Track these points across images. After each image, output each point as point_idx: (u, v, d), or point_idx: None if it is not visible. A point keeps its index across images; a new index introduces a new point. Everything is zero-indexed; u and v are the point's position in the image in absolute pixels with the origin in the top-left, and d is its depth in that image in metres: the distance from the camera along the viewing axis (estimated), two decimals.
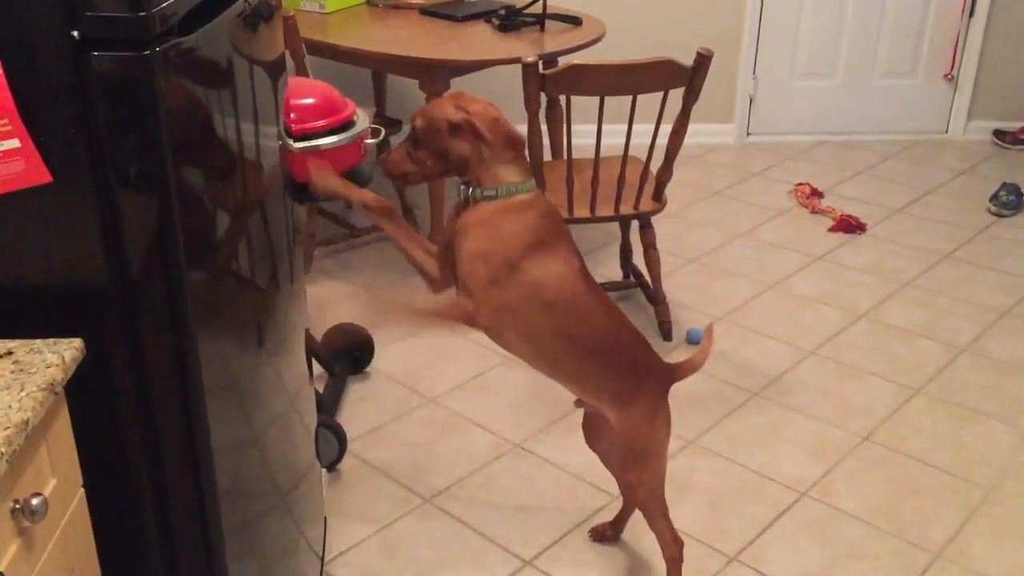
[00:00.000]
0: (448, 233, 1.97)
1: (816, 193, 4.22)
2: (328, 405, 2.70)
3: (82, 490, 1.23)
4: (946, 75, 4.82)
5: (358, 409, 2.83)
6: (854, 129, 4.92)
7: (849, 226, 3.92)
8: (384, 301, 2.00)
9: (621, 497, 2.37)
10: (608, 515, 2.42)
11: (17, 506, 1.03)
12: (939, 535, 2.36)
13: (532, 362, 1.96)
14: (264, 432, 1.68)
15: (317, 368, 2.93)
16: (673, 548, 2.07)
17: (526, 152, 1.93)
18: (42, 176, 1.13)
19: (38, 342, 1.16)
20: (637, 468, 2.00)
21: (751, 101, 4.83)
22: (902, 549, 2.31)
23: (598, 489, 2.51)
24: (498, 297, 1.85)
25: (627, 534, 2.36)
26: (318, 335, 2.98)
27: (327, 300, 3.41)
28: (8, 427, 0.99)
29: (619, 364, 1.96)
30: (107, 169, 1.18)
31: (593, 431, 2.22)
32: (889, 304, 3.40)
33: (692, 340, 3.15)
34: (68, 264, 1.21)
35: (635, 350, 1.98)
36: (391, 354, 3.09)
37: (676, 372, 2.03)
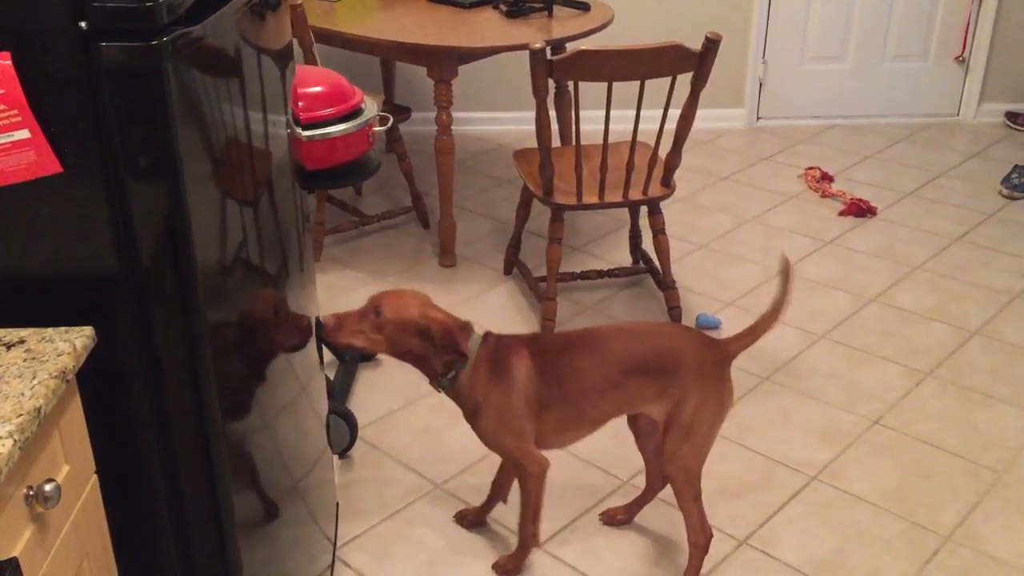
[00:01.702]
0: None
1: (826, 177, 4.20)
2: (339, 392, 2.71)
3: (95, 477, 1.25)
4: (957, 57, 4.79)
5: (369, 396, 2.84)
6: (864, 113, 4.90)
7: (859, 210, 3.91)
8: (528, 536, 2.19)
9: (639, 484, 2.38)
10: (618, 500, 2.43)
11: (31, 492, 1.04)
12: (949, 518, 2.36)
13: (581, 434, 2.13)
14: (275, 419, 1.69)
15: (328, 356, 2.94)
16: (700, 535, 2.10)
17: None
18: (52, 166, 1.14)
19: (49, 330, 1.17)
20: (676, 441, 2.03)
21: (761, 85, 4.81)
22: (912, 532, 2.32)
23: (608, 474, 2.52)
24: (530, 435, 2.06)
25: (634, 522, 2.37)
26: None
27: (337, 287, 3.42)
28: (21, 414, 1.01)
29: (637, 375, 2.04)
30: (117, 159, 1.19)
31: (639, 430, 2.25)
32: (899, 288, 3.39)
33: (702, 325, 3.15)
34: (79, 253, 1.22)
35: (650, 354, 2.04)
36: None
37: (732, 346, 2.10)
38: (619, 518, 2.36)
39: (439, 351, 1.98)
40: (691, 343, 2.05)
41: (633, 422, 2.24)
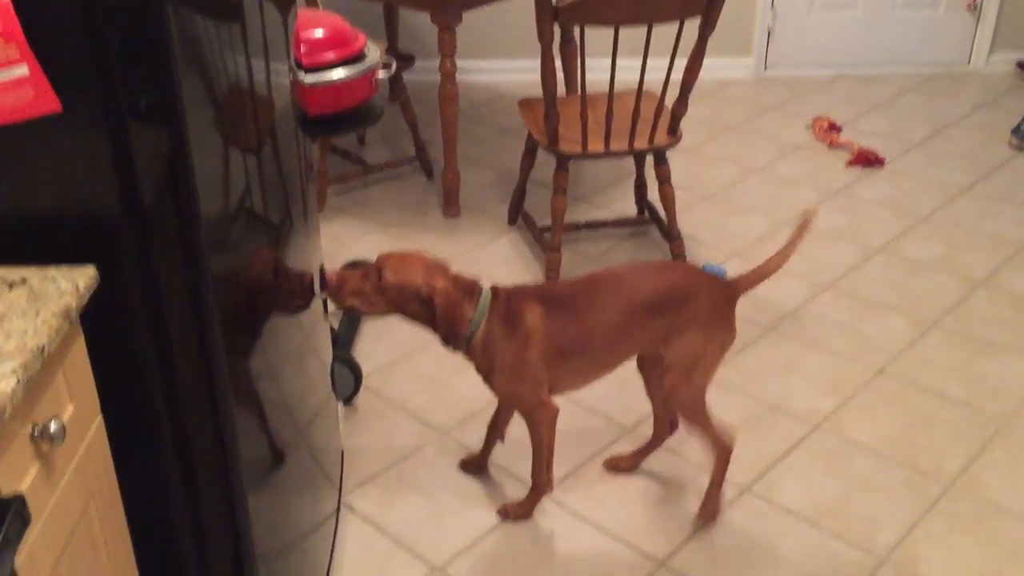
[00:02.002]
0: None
1: (834, 127, 4.16)
2: (344, 340, 2.72)
3: (100, 417, 1.25)
4: (969, 5, 4.71)
5: (373, 345, 2.85)
6: (874, 62, 4.83)
7: (867, 160, 3.88)
8: (540, 482, 2.20)
9: (642, 432, 2.39)
10: (621, 447, 2.44)
11: (36, 430, 1.04)
12: (952, 466, 2.37)
13: (595, 378, 2.15)
14: (280, 367, 1.69)
15: (331, 305, 2.94)
16: (719, 448, 2.16)
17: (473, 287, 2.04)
18: (52, 104, 1.13)
19: (52, 270, 1.17)
20: (677, 375, 2.08)
21: (769, 34, 4.75)
22: (915, 480, 2.33)
23: (611, 422, 2.53)
24: (545, 384, 2.07)
25: (637, 469, 2.38)
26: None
27: (341, 237, 3.41)
28: (25, 352, 1.01)
29: (651, 316, 2.05)
30: (117, 99, 1.18)
31: (648, 374, 2.27)
32: (906, 238, 3.37)
33: None
34: (80, 193, 1.21)
35: (662, 293, 2.05)
36: None
37: (738, 285, 2.13)
38: (623, 466, 2.37)
39: (441, 325, 1.96)
40: (704, 280, 2.10)
41: (642, 366, 2.25)
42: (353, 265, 2.97)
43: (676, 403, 2.14)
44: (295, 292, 1.81)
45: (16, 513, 0.90)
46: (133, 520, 1.38)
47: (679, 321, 2.05)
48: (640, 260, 2.18)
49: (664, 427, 2.31)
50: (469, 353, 2.04)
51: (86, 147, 1.19)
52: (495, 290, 2.05)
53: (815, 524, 2.21)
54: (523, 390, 2.05)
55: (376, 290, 1.97)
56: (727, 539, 2.17)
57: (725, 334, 2.10)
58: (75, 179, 1.20)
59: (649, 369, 2.23)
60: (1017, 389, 2.63)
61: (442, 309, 1.94)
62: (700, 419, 2.13)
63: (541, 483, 2.19)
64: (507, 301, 2.03)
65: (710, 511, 2.21)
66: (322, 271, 2.08)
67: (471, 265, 3.22)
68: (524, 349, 2.01)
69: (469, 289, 2.01)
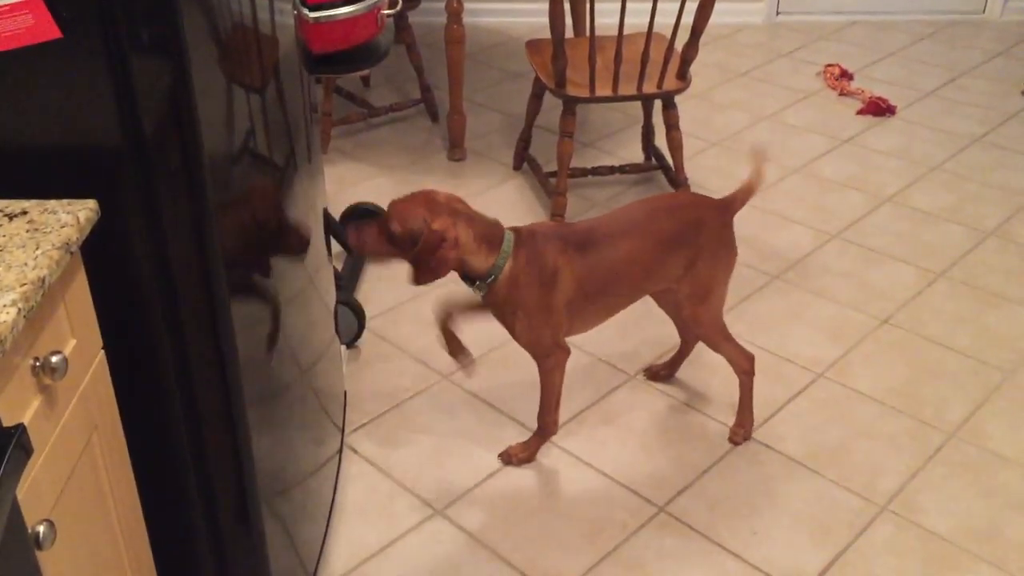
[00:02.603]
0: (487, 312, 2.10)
1: (846, 75, 4.10)
2: (347, 283, 2.71)
3: (102, 352, 1.25)
4: None
5: (376, 288, 2.84)
6: (888, 9, 4.75)
7: (878, 108, 3.83)
8: (546, 424, 2.20)
9: (645, 380, 2.39)
10: (624, 394, 2.44)
11: (37, 363, 1.04)
12: (955, 416, 2.37)
13: (610, 316, 2.16)
14: (283, 307, 1.68)
15: (336, 247, 2.93)
16: (743, 363, 2.22)
17: (494, 227, 2.01)
18: (51, 31, 1.11)
19: (52, 202, 1.15)
20: (694, 304, 2.12)
21: None
22: (917, 429, 2.33)
23: (615, 368, 2.53)
24: (562, 329, 2.06)
25: (640, 416, 2.39)
26: (336, 214, 2.97)
27: (345, 180, 3.39)
28: (25, 283, 1.00)
29: (670, 253, 2.06)
30: (119, 30, 1.15)
31: (660, 297, 2.30)
32: (916, 188, 3.34)
33: None
34: (81, 125, 1.19)
35: (678, 228, 2.06)
36: None
37: (733, 205, 2.14)
38: (662, 373, 2.46)
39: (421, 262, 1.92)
40: (709, 210, 2.11)
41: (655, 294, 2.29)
42: (358, 212, 2.95)
43: (699, 332, 2.19)
44: (297, 230, 1.80)
45: (18, 442, 0.89)
46: (136, 456, 1.39)
47: (693, 252, 2.07)
48: (650, 197, 2.16)
49: (689, 334, 2.38)
50: (490, 296, 2.00)
51: (87, 79, 1.17)
52: (518, 232, 2.02)
53: (816, 471, 2.21)
54: (544, 334, 2.04)
55: (389, 241, 1.94)
56: (728, 485, 2.18)
57: (731, 255, 2.14)
58: (76, 111, 1.18)
59: (662, 295, 2.27)
60: (1022, 340, 2.62)
61: (422, 247, 1.89)
62: (723, 340, 2.19)
63: (547, 425, 2.19)
64: (533, 243, 1.99)
65: (745, 429, 2.27)
66: (326, 212, 2.06)
67: (477, 209, 3.20)
68: (551, 293, 1.99)
69: (487, 231, 1.97)
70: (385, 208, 2.95)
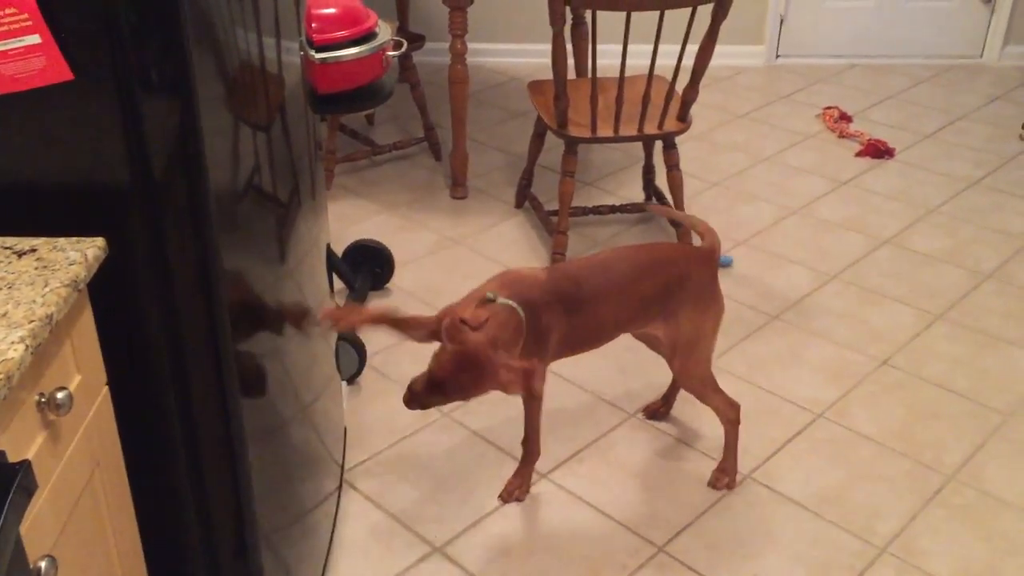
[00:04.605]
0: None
1: (845, 117, 4.14)
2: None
3: (106, 388, 1.26)
4: None
5: None
6: (887, 52, 4.81)
7: (877, 151, 3.86)
8: (533, 441, 2.21)
9: (645, 419, 2.40)
10: (624, 432, 2.44)
11: (43, 399, 1.05)
12: (954, 458, 2.37)
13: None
14: (285, 344, 1.69)
15: (338, 284, 2.94)
16: (730, 412, 2.23)
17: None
18: (63, 74, 1.13)
19: (61, 240, 1.17)
20: (682, 358, 2.13)
21: (782, 21, 4.73)
22: (916, 471, 2.33)
23: (615, 407, 2.53)
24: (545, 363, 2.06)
25: (639, 455, 2.39)
26: (339, 251, 2.99)
27: (348, 216, 3.41)
28: (33, 320, 1.01)
29: (649, 306, 2.07)
30: (129, 71, 1.18)
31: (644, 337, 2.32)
32: (914, 230, 3.37)
33: None
34: (91, 164, 1.21)
35: (660, 283, 2.06)
36: (411, 271, 3.10)
37: (714, 253, 2.15)
38: (661, 411, 2.47)
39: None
40: (693, 263, 2.12)
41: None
42: (360, 249, 2.96)
43: (687, 384, 2.19)
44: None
45: (22, 479, 0.90)
46: (137, 493, 1.39)
47: (674, 307, 2.08)
48: (635, 247, 2.16)
49: None
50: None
51: (97, 118, 1.19)
52: (522, 305, 1.95)
53: (816, 512, 2.21)
54: (537, 385, 2.00)
55: (448, 398, 1.90)
56: (727, 526, 2.17)
57: (718, 306, 2.14)
58: (85, 150, 1.20)
59: (646, 336, 2.29)
60: (1021, 383, 2.63)
61: (526, 387, 1.82)
62: (711, 392, 2.20)
63: (533, 452, 2.22)
64: (534, 313, 1.95)
65: (728, 477, 2.27)
66: (329, 248, 2.07)
67: (478, 247, 3.22)
68: (545, 348, 2.00)
69: (515, 329, 1.91)
70: (384, 245, 2.98)
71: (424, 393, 1.88)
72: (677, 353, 2.12)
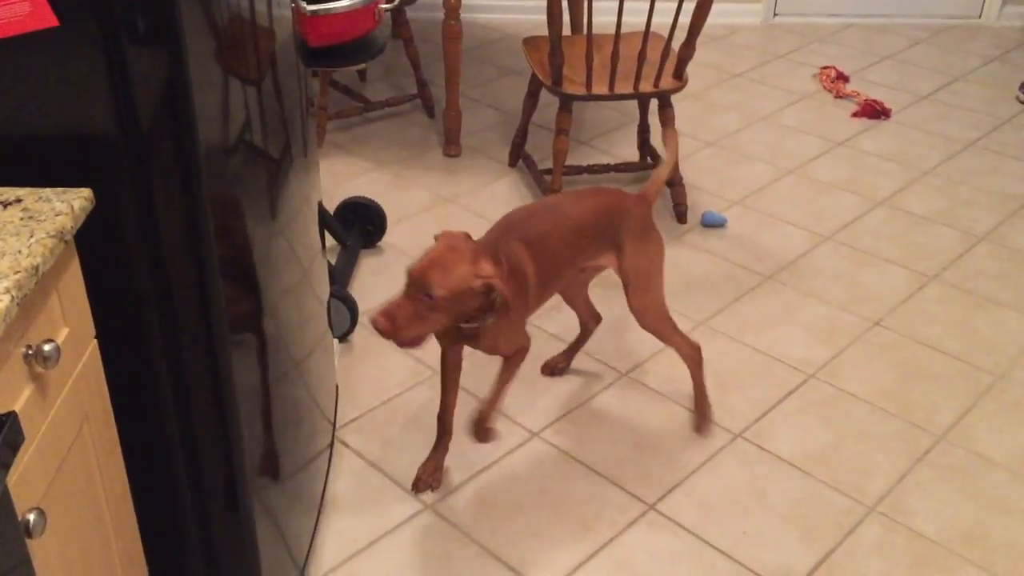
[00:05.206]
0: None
1: (841, 77, 4.11)
2: (341, 277, 2.71)
3: (95, 342, 1.25)
4: None
5: (370, 282, 2.84)
6: (884, 12, 4.76)
7: (873, 111, 3.84)
8: (499, 398, 2.07)
9: (636, 377, 2.40)
10: (615, 391, 2.45)
11: (29, 351, 1.04)
12: (944, 419, 2.38)
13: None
14: (277, 301, 1.68)
15: (330, 241, 2.93)
16: (691, 351, 2.27)
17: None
18: (48, 19, 1.10)
19: (47, 191, 1.15)
20: (639, 294, 2.16)
21: None
22: (906, 431, 2.34)
23: (605, 365, 2.53)
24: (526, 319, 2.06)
25: (630, 413, 2.39)
26: (331, 208, 2.97)
27: (340, 174, 3.39)
28: (18, 271, 0.99)
29: (594, 234, 2.09)
30: (115, 19, 1.15)
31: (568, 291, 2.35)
32: (909, 191, 3.35)
33: (708, 223, 3.13)
34: (76, 114, 1.19)
35: (600, 212, 2.10)
36: (403, 229, 3.08)
37: (648, 196, 2.19)
38: (560, 366, 2.50)
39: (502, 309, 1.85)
40: (626, 198, 2.16)
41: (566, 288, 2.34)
42: (352, 206, 2.94)
43: (646, 323, 2.20)
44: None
45: (9, 430, 0.89)
46: (126, 446, 1.39)
47: (613, 238, 2.11)
48: (570, 190, 2.17)
49: (589, 321, 2.45)
50: (486, 324, 1.91)
51: (83, 68, 1.16)
52: (494, 245, 1.94)
53: (806, 472, 2.22)
54: (521, 334, 2.04)
55: (430, 309, 1.78)
56: (717, 484, 2.18)
57: (659, 242, 2.18)
58: (72, 100, 1.18)
59: (567, 289, 2.34)
60: (1012, 345, 2.63)
61: (503, 296, 1.80)
62: (669, 329, 2.22)
63: (498, 398, 2.07)
64: (509, 253, 1.95)
65: (706, 417, 2.32)
66: (321, 206, 2.05)
67: (472, 206, 3.20)
68: (526, 294, 2.00)
69: (496, 256, 1.89)
70: (376, 203, 2.96)
71: (397, 307, 1.78)
72: (632, 287, 2.15)
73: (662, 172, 2.22)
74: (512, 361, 2.08)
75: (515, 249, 1.99)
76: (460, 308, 1.81)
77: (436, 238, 1.86)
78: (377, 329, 1.77)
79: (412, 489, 2.16)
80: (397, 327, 1.77)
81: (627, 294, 2.17)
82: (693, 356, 2.27)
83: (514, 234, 2.02)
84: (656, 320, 2.20)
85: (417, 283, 1.77)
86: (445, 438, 2.18)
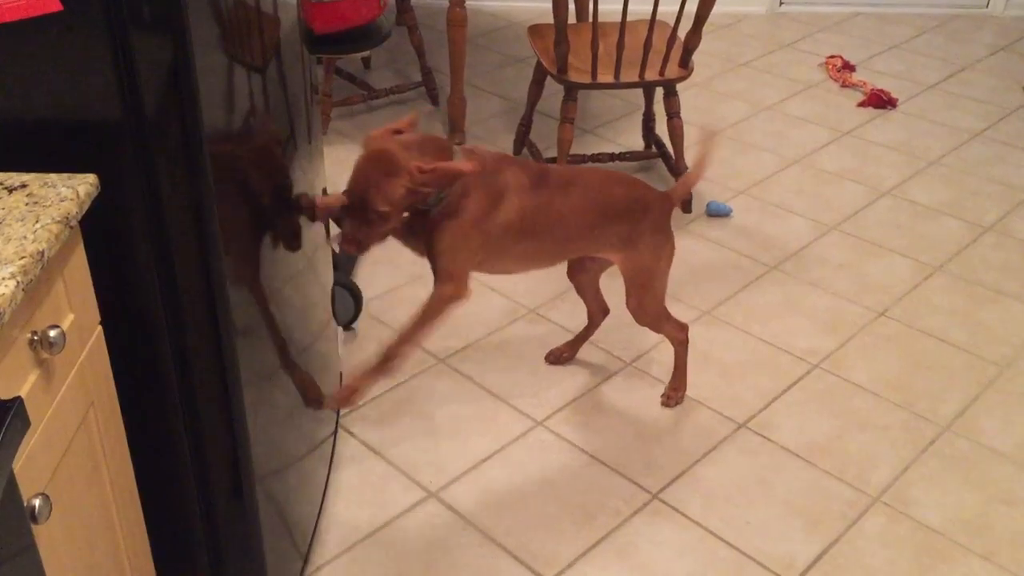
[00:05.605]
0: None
1: (848, 66, 4.10)
2: (345, 265, 2.71)
3: (100, 328, 1.24)
4: None
5: (374, 271, 2.84)
6: (891, 1, 4.74)
7: (880, 101, 3.82)
8: (393, 357, 1.93)
9: (641, 367, 2.39)
10: (621, 380, 2.44)
11: (35, 337, 1.04)
12: (949, 410, 2.37)
13: (530, 268, 2.12)
14: (281, 287, 1.68)
15: (333, 228, 2.92)
16: (679, 333, 2.28)
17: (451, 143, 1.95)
18: (51, 4, 1.10)
19: (52, 176, 1.15)
20: (639, 294, 2.15)
21: None
22: (911, 421, 2.34)
23: (610, 354, 2.53)
24: (475, 263, 1.98)
25: (635, 403, 2.39)
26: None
27: (344, 161, 3.38)
28: (24, 256, 0.99)
29: (612, 220, 2.07)
30: (119, 2, 1.15)
31: (576, 265, 2.32)
32: (915, 181, 3.34)
33: (712, 212, 3.12)
34: (81, 99, 1.18)
35: (627, 200, 2.08)
36: None
37: (673, 197, 2.18)
38: (565, 356, 2.49)
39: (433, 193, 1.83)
40: (653, 194, 2.14)
41: (574, 274, 2.33)
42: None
43: (644, 320, 2.21)
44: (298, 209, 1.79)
45: (16, 415, 0.89)
46: (131, 433, 1.39)
47: (630, 233, 2.09)
48: (607, 171, 2.16)
49: (597, 314, 2.44)
50: (439, 210, 1.88)
51: (88, 53, 1.16)
52: (469, 151, 1.91)
53: (810, 461, 2.22)
54: (461, 255, 1.91)
55: (383, 219, 1.82)
56: (721, 474, 2.18)
57: (670, 244, 2.17)
58: (77, 86, 1.18)
59: (579, 273, 2.32)
60: (1017, 336, 2.63)
61: (441, 184, 1.80)
62: (664, 322, 2.24)
63: (396, 355, 1.92)
64: (489, 163, 1.91)
65: (678, 392, 2.35)
66: (325, 193, 2.05)
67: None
68: (491, 216, 1.90)
69: (436, 149, 1.85)
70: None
71: (356, 229, 1.81)
72: (635, 286, 2.14)
73: (692, 176, 2.22)
74: (434, 298, 1.91)
75: (509, 174, 1.93)
76: (411, 203, 1.83)
77: (363, 145, 1.84)
78: (348, 252, 1.87)
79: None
80: (363, 245, 1.86)
81: (627, 289, 2.16)
82: (681, 338, 2.29)
83: (524, 166, 1.96)
84: (652, 321, 2.22)
85: (360, 204, 1.80)
86: (395, 367, 1.96)
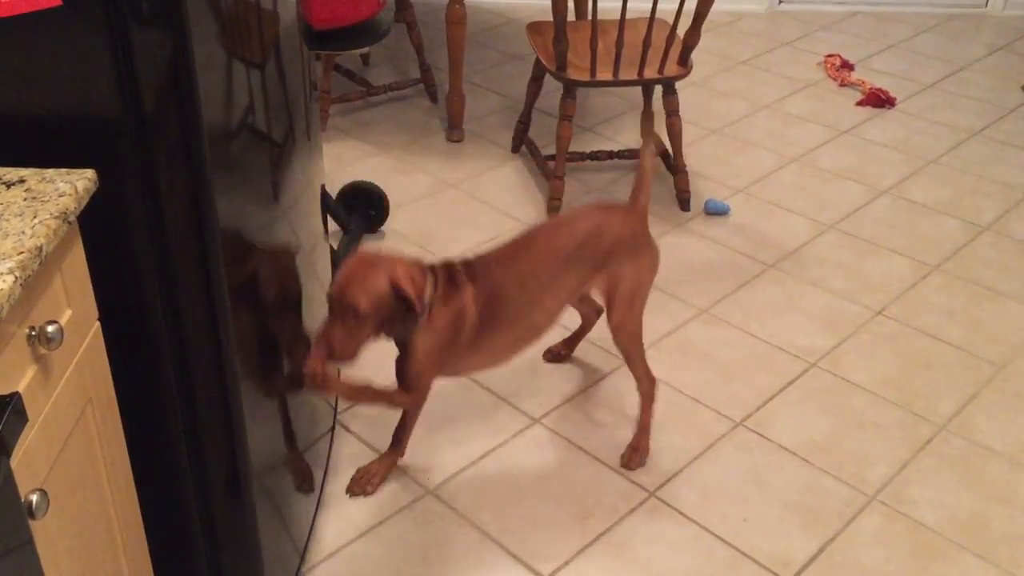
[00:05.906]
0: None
1: (846, 65, 4.10)
2: (342, 261, 2.70)
3: (98, 324, 1.24)
4: None
5: None
6: (890, 0, 4.74)
7: (878, 100, 3.82)
8: (349, 398, 2.01)
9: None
10: (616, 379, 2.45)
11: (33, 332, 1.03)
12: (946, 409, 2.38)
13: (525, 345, 2.06)
14: (279, 285, 1.68)
15: (332, 225, 2.92)
16: (649, 385, 2.19)
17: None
18: None
19: (51, 171, 1.15)
20: (621, 311, 2.09)
21: None
22: (908, 420, 2.34)
23: (608, 353, 2.53)
24: (444, 374, 2.01)
25: (632, 400, 2.39)
26: (333, 192, 2.96)
27: (342, 158, 3.38)
28: (22, 252, 0.99)
29: (574, 260, 2.01)
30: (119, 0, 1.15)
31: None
32: (913, 180, 3.34)
33: (711, 211, 3.12)
34: (80, 95, 1.18)
35: (584, 233, 2.02)
36: (405, 213, 3.07)
37: (637, 207, 2.11)
38: (562, 353, 2.50)
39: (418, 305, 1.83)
40: (614, 214, 2.07)
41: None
42: (355, 191, 2.93)
43: (621, 339, 2.12)
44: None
45: (13, 410, 0.89)
46: (129, 429, 1.39)
47: (603, 262, 2.03)
48: (559, 215, 2.12)
49: (590, 314, 2.44)
50: (411, 337, 1.90)
51: (87, 49, 1.16)
52: (432, 270, 1.92)
53: (807, 460, 2.22)
54: (427, 373, 1.95)
55: (358, 326, 1.78)
56: (718, 472, 2.19)
57: (652, 260, 2.11)
58: (76, 81, 1.18)
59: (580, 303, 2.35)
60: (1014, 335, 2.63)
61: (415, 286, 1.81)
62: (637, 354, 2.15)
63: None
64: (445, 281, 1.90)
65: (640, 455, 2.19)
66: (323, 190, 2.04)
67: (474, 191, 3.20)
68: (454, 333, 1.91)
69: (420, 267, 1.88)
70: (379, 187, 2.96)
71: (328, 334, 1.79)
72: (616, 304, 2.07)
73: (643, 177, 2.12)
74: (391, 399, 1.99)
75: (462, 284, 1.91)
76: (384, 315, 1.80)
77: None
78: (312, 373, 1.78)
79: (346, 492, 2.11)
80: (335, 352, 1.79)
81: (608, 309, 2.10)
82: (648, 391, 2.18)
83: (469, 267, 1.95)
84: (630, 340, 2.13)
85: (340, 302, 1.78)
86: (397, 450, 2.15)
